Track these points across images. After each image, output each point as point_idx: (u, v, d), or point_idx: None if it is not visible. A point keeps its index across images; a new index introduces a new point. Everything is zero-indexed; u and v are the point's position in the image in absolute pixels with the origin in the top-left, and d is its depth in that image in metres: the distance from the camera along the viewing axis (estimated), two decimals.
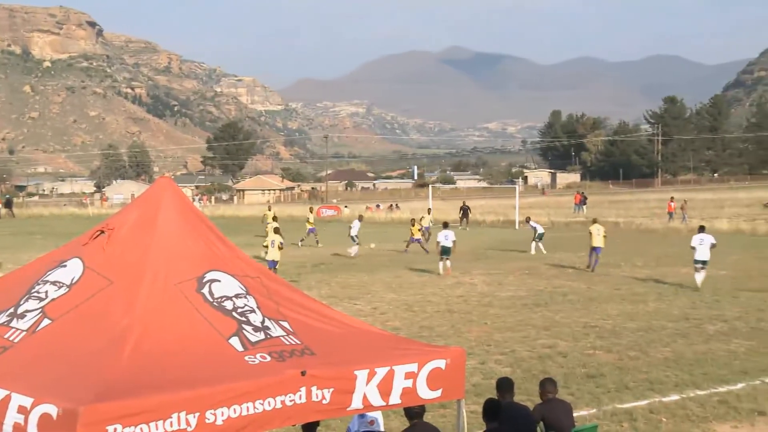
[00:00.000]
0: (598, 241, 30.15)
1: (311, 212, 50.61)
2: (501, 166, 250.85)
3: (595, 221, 32.68)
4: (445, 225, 31.41)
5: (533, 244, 36.76)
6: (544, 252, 35.86)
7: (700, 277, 24.66)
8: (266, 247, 29.26)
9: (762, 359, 15.36)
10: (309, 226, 45.55)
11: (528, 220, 39.38)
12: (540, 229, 37.19)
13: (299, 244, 42.57)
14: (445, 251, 29.39)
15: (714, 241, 25.18)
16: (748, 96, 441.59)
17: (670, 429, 11.39)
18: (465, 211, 55.22)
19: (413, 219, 42.00)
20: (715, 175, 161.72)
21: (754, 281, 26.00)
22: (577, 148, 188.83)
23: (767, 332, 17.93)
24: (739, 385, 13.53)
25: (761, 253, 34.12)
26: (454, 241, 29.62)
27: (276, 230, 29.49)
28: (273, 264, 27.64)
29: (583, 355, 16.00)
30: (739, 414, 11.95)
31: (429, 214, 45.31)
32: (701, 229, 26.05)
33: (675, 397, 12.87)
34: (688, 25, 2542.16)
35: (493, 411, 8.16)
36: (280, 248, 28.39)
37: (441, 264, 29.61)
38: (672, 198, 59.97)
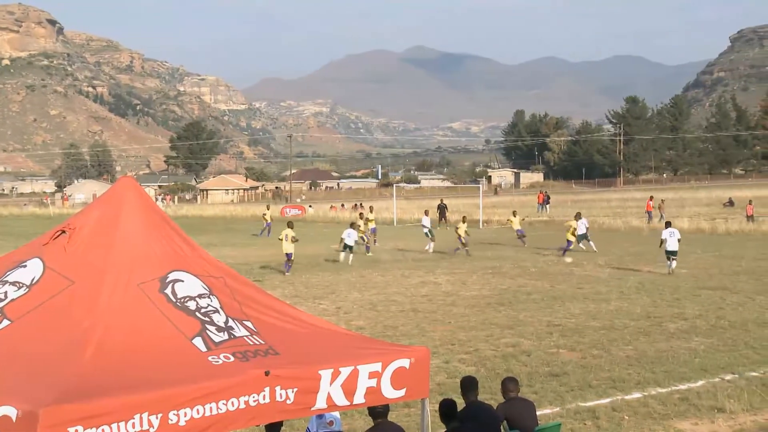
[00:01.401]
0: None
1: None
2: (465, 166, 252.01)
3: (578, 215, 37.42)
4: (352, 225, 35.81)
5: (586, 243, 37.32)
6: (595, 250, 36.32)
7: (671, 264, 27.81)
8: (281, 240, 30.73)
9: (721, 357, 15.56)
10: (267, 221, 49.27)
11: (579, 216, 37.21)
12: (582, 229, 37.40)
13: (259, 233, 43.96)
14: (347, 247, 33.29)
15: (679, 236, 28.35)
16: (708, 96, 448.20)
17: (632, 427, 11.49)
18: (442, 209, 55.29)
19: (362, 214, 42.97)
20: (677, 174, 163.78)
21: (713, 280, 26.33)
22: (540, 148, 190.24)
23: (727, 330, 18.15)
24: (700, 383, 13.69)
25: (721, 251, 34.57)
26: (356, 241, 33.93)
27: (289, 224, 31.59)
28: (289, 256, 30.11)
29: (546, 354, 16.09)
30: (699, 411, 12.09)
31: (371, 212, 44.38)
32: (668, 224, 29.49)
33: (637, 395, 12.99)
34: (649, 26, 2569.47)
35: (449, 412, 8.24)
36: (293, 241, 30.15)
37: (343, 255, 33.34)
38: (651, 197, 60.26)
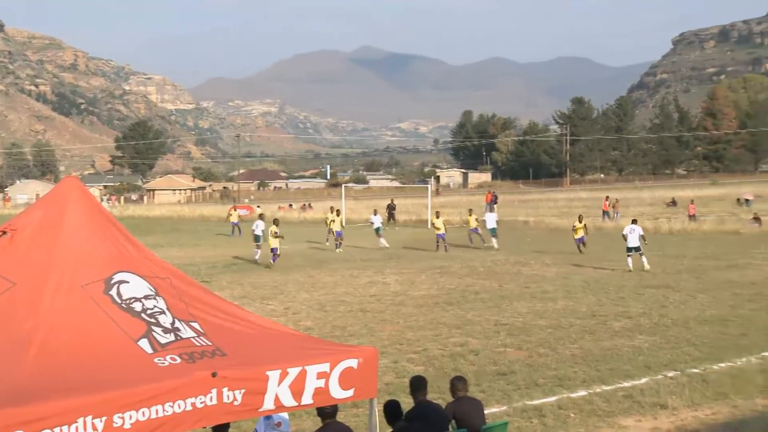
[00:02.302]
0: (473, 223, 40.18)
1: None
2: (413, 166, 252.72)
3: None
4: (260, 216, 38.66)
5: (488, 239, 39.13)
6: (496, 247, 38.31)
7: (631, 261, 28.81)
8: (269, 236, 32.82)
9: (664, 354, 15.81)
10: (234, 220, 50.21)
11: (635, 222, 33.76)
12: (491, 223, 40.16)
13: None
14: (256, 239, 34.83)
15: (642, 233, 29.70)
16: (651, 98, 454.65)
17: (578, 424, 11.62)
18: (391, 209, 55.63)
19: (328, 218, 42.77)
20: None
21: (656, 278, 26.76)
22: (488, 148, 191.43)
23: (669, 328, 18.46)
24: (643, 380, 13.90)
25: (663, 250, 35.14)
26: (263, 231, 34.84)
27: (275, 221, 33.74)
28: (274, 251, 32.23)
29: (494, 353, 16.21)
30: (642, 408, 12.27)
31: (338, 215, 43.79)
32: (633, 221, 31.39)
33: (582, 393, 13.14)
34: (594, 28, 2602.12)
35: (394, 412, 8.31)
36: (275, 236, 32.12)
37: (255, 250, 34.69)
38: (607, 197, 60.93)
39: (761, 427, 11.26)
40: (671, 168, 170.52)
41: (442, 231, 37.91)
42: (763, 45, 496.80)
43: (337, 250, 38.42)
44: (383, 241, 39.81)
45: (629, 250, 29.19)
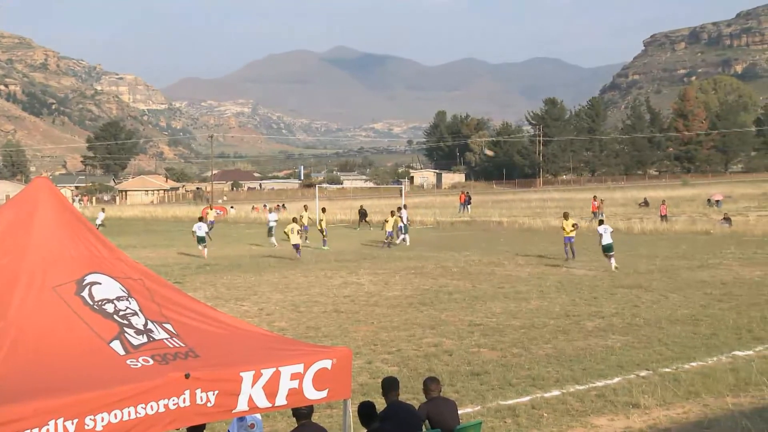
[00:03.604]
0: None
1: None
2: (387, 166, 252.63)
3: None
4: (200, 219, 40.24)
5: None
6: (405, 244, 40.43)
7: (613, 261, 29.44)
8: (287, 234, 35.35)
9: (636, 353, 15.92)
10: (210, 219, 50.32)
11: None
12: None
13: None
14: (200, 240, 36.67)
15: (611, 230, 30.74)
16: (623, 98, 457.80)
17: (551, 424, 11.67)
18: (362, 213, 55.95)
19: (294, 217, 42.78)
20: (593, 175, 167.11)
21: (629, 278, 26.93)
22: (461, 149, 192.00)
23: (641, 327, 18.58)
24: (616, 380, 13.99)
25: (636, 250, 35.37)
26: (207, 232, 37.33)
27: (294, 219, 37.64)
28: (296, 247, 35.06)
29: (468, 353, 16.24)
30: (615, 407, 12.35)
31: (306, 211, 45.00)
32: (601, 222, 33.00)
33: (556, 393, 13.20)
34: (566, 29, 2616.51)
35: (368, 413, 8.32)
36: (292, 233, 35.00)
37: (200, 246, 36.68)
38: (594, 197, 61.00)
39: (731, 426, 11.36)
40: (643, 168, 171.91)
41: (389, 229, 40.92)
42: (733, 47, 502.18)
43: (325, 247, 39.50)
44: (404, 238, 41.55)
45: (607, 249, 29.71)
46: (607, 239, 29.79)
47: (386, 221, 41.75)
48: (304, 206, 46.30)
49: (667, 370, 14.56)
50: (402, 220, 42.03)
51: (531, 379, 14.05)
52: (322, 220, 42.14)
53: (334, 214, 62.76)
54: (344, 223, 59.18)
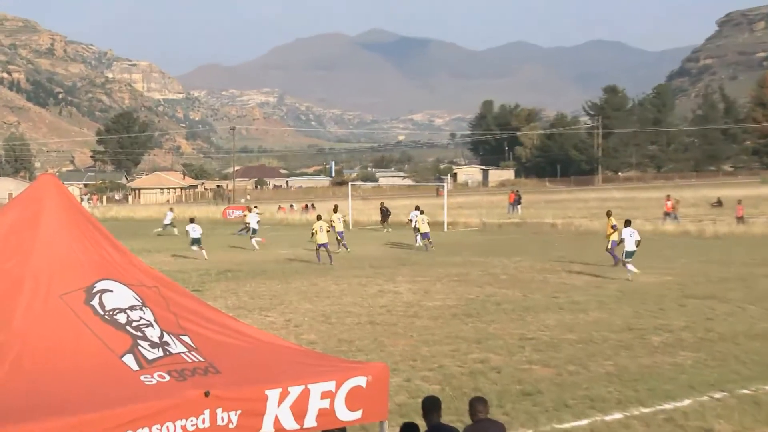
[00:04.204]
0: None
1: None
2: (428, 162, 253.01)
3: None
4: (192, 220, 41.26)
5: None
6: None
7: (630, 267, 28.68)
8: (315, 232, 35.37)
9: (710, 373, 15.76)
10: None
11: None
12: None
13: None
14: (194, 242, 38.65)
15: (638, 238, 29.57)
16: (694, 86, 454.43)
17: None
18: (385, 212, 55.90)
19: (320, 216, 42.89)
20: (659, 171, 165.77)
21: (701, 287, 26.66)
22: (510, 142, 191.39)
23: (715, 343, 18.39)
24: (686, 402, 13.85)
25: (708, 256, 35.02)
26: (201, 234, 38.85)
27: (318, 217, 38.17)
28: (325, 246, 35.14)
29: (518, 371, 16.17)
30: None
31: (336, 212, 43.78)
32: (628, 222, 30.70)
33: (618, 416, 13.10)
34: (627, 8, 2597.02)
35: None
36: (327, 231, 35.79)
37: (195, 248, 38.79)
38: (668, 196, 60.39)
39: None
40: (716, 164, 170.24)
41: (340, 229, 40.99)
42: None
43: (347, 250, 39.78)
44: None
45: (629, 255, 29.12)
46: (630, 245, 29.12)
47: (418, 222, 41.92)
48: (334, 206, 46.10)
49: (745, 391, 14.39)
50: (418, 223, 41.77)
51: (589, 400, 13.96)
52: (332, 220, 41.87)
53: (369, 215, 62.87)
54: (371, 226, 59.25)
